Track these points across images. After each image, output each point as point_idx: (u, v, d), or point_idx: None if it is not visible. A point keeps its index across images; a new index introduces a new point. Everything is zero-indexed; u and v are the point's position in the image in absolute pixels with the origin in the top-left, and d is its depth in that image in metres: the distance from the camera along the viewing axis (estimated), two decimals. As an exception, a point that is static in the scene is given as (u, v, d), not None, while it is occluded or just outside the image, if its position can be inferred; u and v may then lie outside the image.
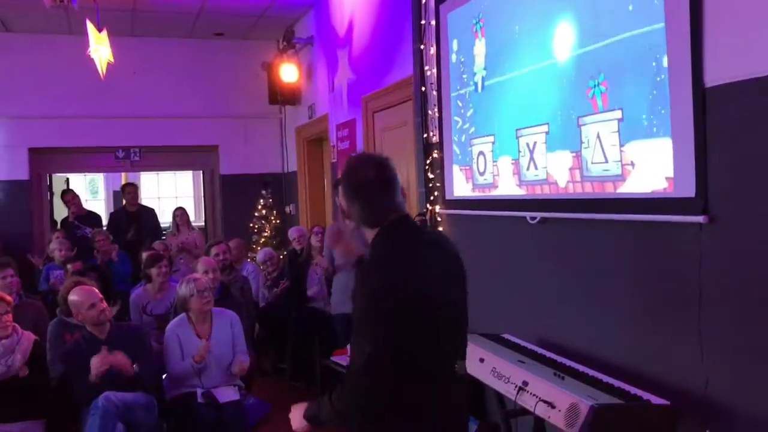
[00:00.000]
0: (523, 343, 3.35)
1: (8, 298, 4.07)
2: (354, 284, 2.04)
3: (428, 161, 4.75)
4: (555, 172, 3.35)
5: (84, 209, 8.13)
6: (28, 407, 3.79)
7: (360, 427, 2.01)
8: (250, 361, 4.63)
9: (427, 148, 4.78)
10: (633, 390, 2.57)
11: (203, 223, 9.41)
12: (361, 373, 1.91)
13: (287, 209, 8.64)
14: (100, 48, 5.89)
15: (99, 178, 14.03)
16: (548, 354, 3.13)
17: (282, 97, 8.07)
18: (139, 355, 4.02)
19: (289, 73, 7.86)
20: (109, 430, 3.61)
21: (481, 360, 3.04)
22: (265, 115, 8.65)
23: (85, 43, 5.87)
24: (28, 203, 8.00)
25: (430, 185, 4.74)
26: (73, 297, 4.15)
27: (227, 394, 4.22)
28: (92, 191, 14.69)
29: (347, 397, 1.96)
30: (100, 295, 4.15)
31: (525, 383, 2.67)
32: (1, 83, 7.70)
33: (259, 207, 8.30)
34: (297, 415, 2.17)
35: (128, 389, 3.86)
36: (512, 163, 3.73)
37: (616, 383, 2.65)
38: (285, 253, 7.22)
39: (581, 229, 3.25)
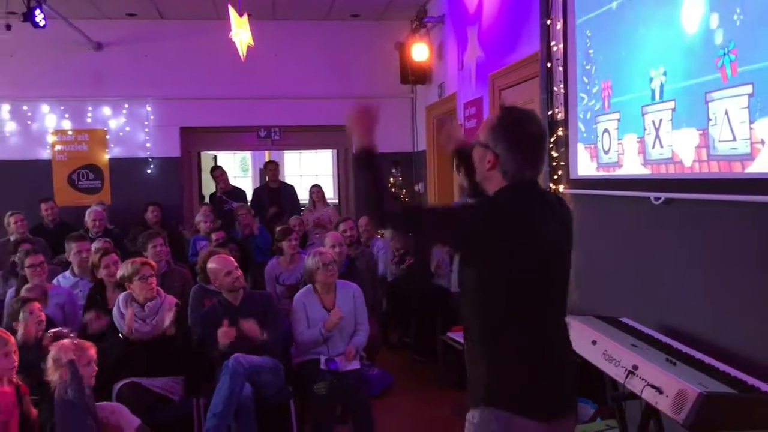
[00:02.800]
0: (640, 328, 3.24)
1: (152, 263, 4.45)
2: None
3: (553, 139, 4.66)
4: (681, 150, 3.19)
5: (230, 185, 8.70)
6: (170, 364, 4.16)
7: (477, 344, 2.15)
8: (372, 333, 4.80)
9: (551, 125, 4.68)
10: (751, 380, 2.43)
11: (338, 200, 9.75)
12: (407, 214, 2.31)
13: (416, 188, 8.75)
14: (240, 32, 6.23)
15: (248, 156, 14.84)
16: (665, 339, 3.01)
17: (413, 77, 8.16)
18: (268, 321, 4.29)
19: (420, 52, 7.92)
20: (238, 389, 3.87)
21: (594, 342, 2.98)
22: (396, 95, 8.78)
23: (229, 28, 6.24)
24: (179, 178, 8.66)
25: (554, 164, 4.64)
26: (210, 265, 4.48)
27: (348, 363, 4.40)
28: (243, 168, 15.59)
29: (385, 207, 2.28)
30: (236, 264, 4.45)
31: (635, 367, 2.59)
32: (157, 67, 8.34)
33: (390, 185, 8.47)
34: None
35: (257, 353, 4.14)
36: (638, 141, 3.58)
37: (733, 372, 2.51)
38: (413, 230, 7.33)
39: (707, 210, 3.08)
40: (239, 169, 15.42)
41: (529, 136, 2.09)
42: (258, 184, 12.57)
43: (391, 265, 6.79)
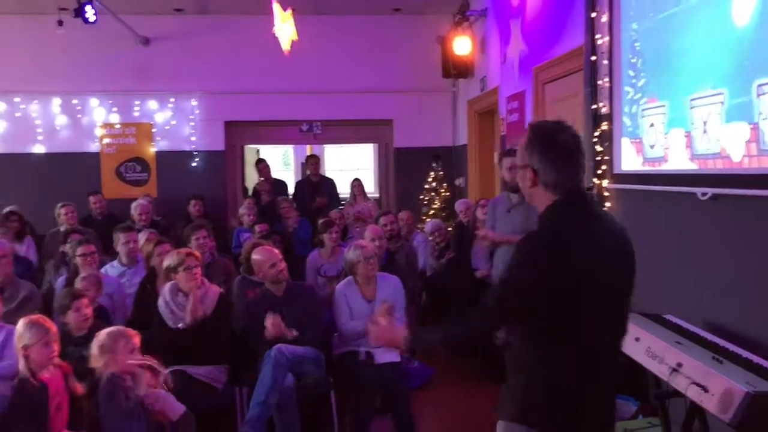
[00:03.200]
0: (685, 325, 3.19)
1: (197, 254, 4.53)
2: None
3: (597, 133, 4.60)
4: (729, 145, 3.13)
5: (272, 177, 8.82)
6: (214, 352, 4.25)
7: (517, 356, 2.15)
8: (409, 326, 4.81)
9: (596, 119, 4.63)
10: (801, 380, 2.38)
11: (378, 194, 9.79)
12: (479, 315, 2.14)
13: (457, 182, 8.74)
14: (284, 26, 6.29)
15: (290, 150, 14.97)
16: (710, 337, 2.96)
17: (455, 71, 8.14)
18: (309, 312, 4.34)
19: (462, 45, 7.89)
20: (280, 379, 3.93)
21: (637, 339, 2.95)
22: (438, 89, 8.77)
23: (273, 22, 6.30)
24: (224, 171, 8.79)
25: (598, 158, 4.59)
26: (255, 256, 4.55)
27: (387, 356, 4.41)
28: (285, 162, 15.76)
29: (460, 331, 2.20)
30: (280, 256, 4.51)
31: (679, 364, 2.56)
32: (202, 62, 8.48)
33: (430, 179, 8.47)
34: (396, 336, 2.28)
35: (299, 344, 4.19)
36: (685, 136, 3.52)
37: (782, 372, 2.46)
38: (453, 224, 7.34)
39: (755, 206, 3.01)
40: (281, 163, 15.58)
41: (561, 144, 2.08)
42: (299, 178, 12.68)
43: (430, 260, 6.80)
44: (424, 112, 8.85)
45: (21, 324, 3.41)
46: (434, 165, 8.50)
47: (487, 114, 7.86)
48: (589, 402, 2.07)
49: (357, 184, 8.18)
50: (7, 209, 7.18)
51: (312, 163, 8.87)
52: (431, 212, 8.29)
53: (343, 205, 8.53)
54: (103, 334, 3.47)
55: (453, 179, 8.73)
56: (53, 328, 3.48)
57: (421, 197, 8.46)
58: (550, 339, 2.03)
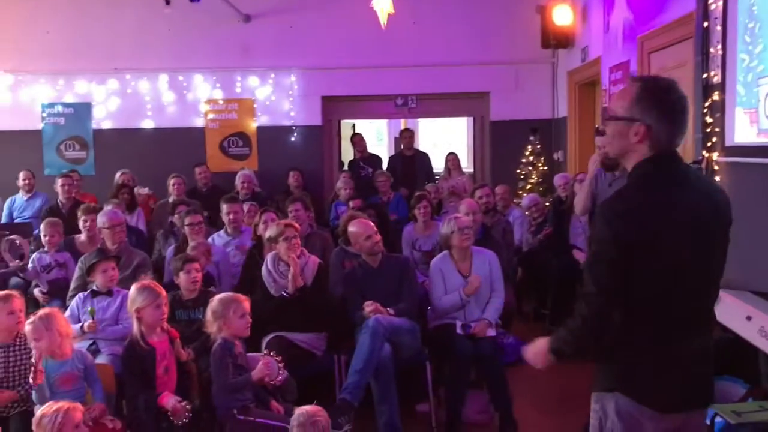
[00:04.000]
0: (802, 305, 3.03)
1: (296, 225, 4.64)
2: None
3: (707, 104, 4.38)
4: None
5: (368, 151, 8.92)
6: (314, 320, 4.38)
7: (597, 361, 2.11)
8: (507, 300, 4.79)
9: (706, 89, 4.40)
10: None
11: (473, 169, 9.71)
12: (583, 305, 2.05)
13: (555, 156, 8.54)
14: (381, 0, 6.30)
15: (383, 125, 15.04)
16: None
17: (555, 41, 7.92)
18: (405, 284, 4.39)
19: (563, 15, 7.67)
20: (377, 348, 4.01)
21: (749, 318, 2.83)
22: (536, 60, 8.57)
23: (371, -4, 6.32)
24: (321, 146, 8.96)
25: (708, 130, 4.37)
26: (351, 229, 4.64)
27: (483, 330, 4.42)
28: (378, 138, 15.87)
29: (576, 326, 2.08)
30: (375, 229, 4.58)
31: (796, 346, 2.43)
32: (301, 38, 8.63)
33: (527, 153, 8.32)
34: (538, 350, 2.25)
35: (396, 315, 4.26)
36: (806, 105, 3.30)
37: None
38: (551, 199, 7.20)
39: None
40: (375, 138, 15.68)
41: (676, 104, 2.03)
42: (392, 153, 12.75)
43: (527, 235, 6.71)
44: (522, 84, 8.67)
45: (134, 288, 3.63)
46: (531, 138, 8.34)
47: (588, 85, 7.62)
48: (675, 367, 2.05)
49: (452, 158, 8.15)
50: (120, 175, 7.61)
51: (406, 137, 8.90)
52: (528, 187, 8.16)
53: (437, 179, 8.53)
54: (215, 301, 3.63)
55: (551, 153, 8.54)
56: (163, 292, 3.68)
57: (518, 171, 8.33)
58: (630, 302, 2.01)
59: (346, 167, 9.04)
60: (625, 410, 2.05)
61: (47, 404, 2.88)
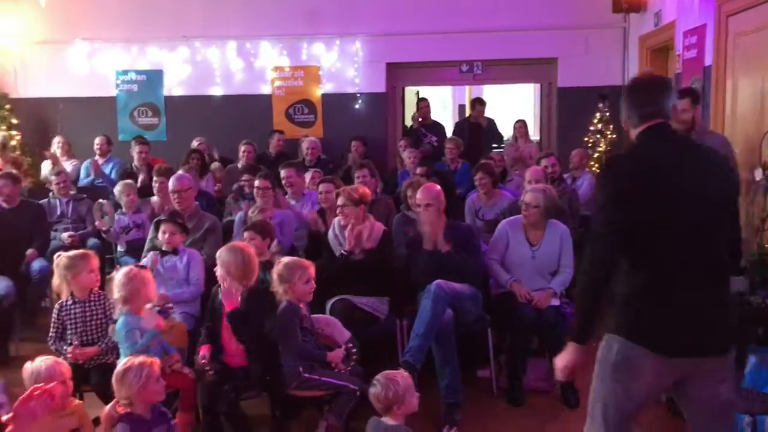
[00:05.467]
0: None
1: (363, 190, 4.69)
2: None
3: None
4: None
5: (431, 119, 8.89)
6: (377, 284, 4.45)
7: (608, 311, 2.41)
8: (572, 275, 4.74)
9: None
10: None
11: (539, 137, 9.56)
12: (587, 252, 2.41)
13: (623, 122, 8.29)
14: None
15: (446, 93, 14.90)
16: None
17: (627, 5, 7.66)
18: (468, 251, 4.41)
19: (636, -22, 7.39)
20: (439, 313, 4.05)
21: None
22: (607, 25, 8.30)
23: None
24: (385, 113, 8.95)
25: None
26: (416, 194, 4.66)
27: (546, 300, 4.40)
28: (442, 107, 15.75)
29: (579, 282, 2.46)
30: (435, 197, 4.58)
31: None
32: (366, 4, 8.60)
33: (595, 121, 8.13)
34: (563, 358, 2.50)
35: (459, 280, 4.28)
36: None
37: None
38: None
39: None
40: (439, 106, 15.55)
41: (631, 86, 2.61)
42: (456, 120, 12.65)
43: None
44: (592, 49, 8.43)
45: (284, 265, 3.77)
46: (600, 105, 8.12)
47: (661, 51, 7.36)
48: (673, 314, 2.31)
49: (520, 126, 8.05)
50: (194, 143, 7.84)
51: (478, 107, 8.83)
52: (596, 155, 7.98)
53: (503, 147, 8.45)
54: (281, 265, 3.74)
55: (620, 121, 8.28)
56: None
57: (585, 139, 8.15)
58: (626, 252, 2.34)
59: (407, 134, 9.02)
60: (625, 348, 2.36)
61: (129, 359, 3.03)
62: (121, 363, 3.02)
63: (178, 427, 3.33)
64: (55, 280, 3.87)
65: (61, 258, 3.85)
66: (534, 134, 10.08)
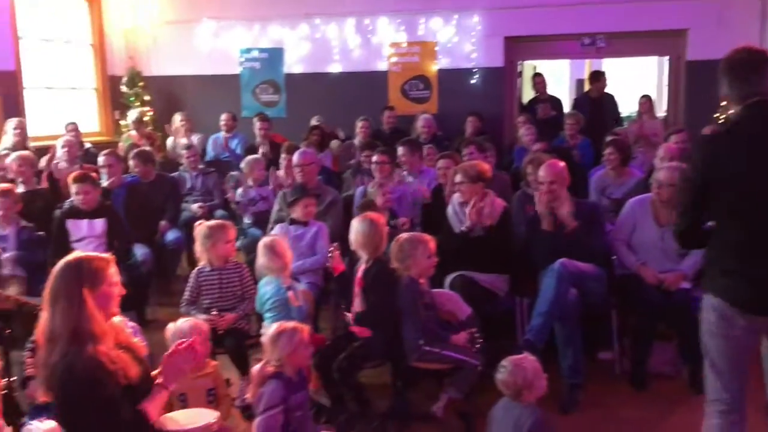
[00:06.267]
0: None
1: (482, 167, 4.64)
2: None
3: None
4: None
5: (547, 93, 8.67)
6: (497, 261, 4.42)
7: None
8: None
9: None
10: None
11: (665, 113, 9.12)
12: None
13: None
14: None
15: (562, 68, 14.47)
16: None
17: (767, -30, 7.14)
18: (593, 229, 4.29)
19: (780, -60, 6.85)
20: (562, 292, 3.98)
21: None
22: (742, -7, 7.78)
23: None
24: (501, 88, 8.81)
25: None
26: (539, 172, 4.58)
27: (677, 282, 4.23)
28: (557, 82, 15.34)
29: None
30: (560, 174, 4.48)
31: None
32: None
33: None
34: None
35: (583, 260, 4.18)
36: None
37: None
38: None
39: None
40: (554, 82, 15.15)
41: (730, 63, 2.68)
42: (572, 96, 12.30)
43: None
44: (726, 20, 7.89)
45: (355, 220, 3.95)
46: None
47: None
48: (749, 273, 2.56)
49: (645, 102, 7.71)
50: (313, 122, 8.04)
51: (599, 79, 8.53)
52: (727, 132, 7.53)
53: (625, 123, 8.14)
54: (402, 240, 3.79)
55: (720, 95, 7.76)
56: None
57: (716, 116, 7.69)
58: (714, 218, 2.65)
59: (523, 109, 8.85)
60: (718, 305, 2.63)
61: (282, 323, 3.16)
62: (273, 327, 3.15)
63: (312, 382, 3.52)
64: (197, 247, 4.12)
65: (201, 227, 4.09)
66: (659, 110, 9.63)
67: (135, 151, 6.41)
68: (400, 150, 5.88)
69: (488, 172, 4.71)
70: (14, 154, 5.78)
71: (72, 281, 2.40)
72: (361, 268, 3.88)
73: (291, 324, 3.13)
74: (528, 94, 9.53)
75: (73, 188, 5.08)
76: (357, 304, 3.86)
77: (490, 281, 4.40)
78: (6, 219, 4.87)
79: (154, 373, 2.59)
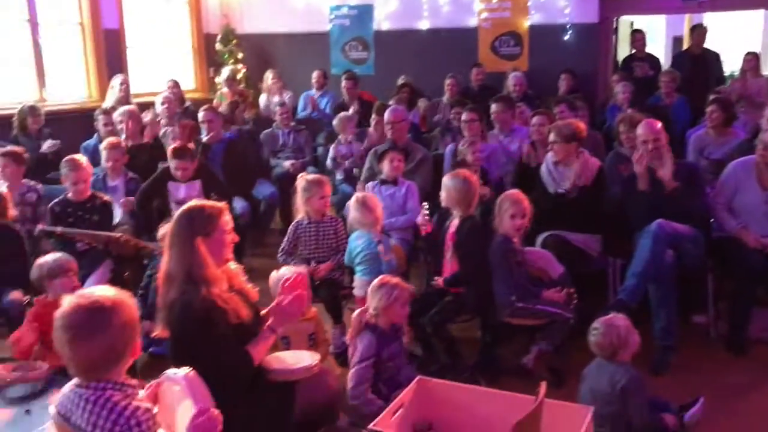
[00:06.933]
0: None
1: (576, 126, 4.56)
2: None
3: None
4: None
5: (644, 50, 8.35)
6: (590, 221, 4.38)
7: None
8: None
9: None
10: None
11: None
12: None
13: None
14: None
15: (657, 24, 13.82)
16: None
17: None
18: (692, 191, 4.18)
19: None
20: (658, 253, 3.91)
21: None
22: None
23: None
24: (595, 46, 8.51)
25: None
26: (638, 131, 4.48)
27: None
28: (651, 39, 14.68)
29: None
30: (660, 132, 4.36)
31: None
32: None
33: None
34: None
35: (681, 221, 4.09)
36: None
37: None
38: None
39: None
40: (648, 39, 14.51)
41: None
42: (669, 55, 11.78)
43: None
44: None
45: (447, 176, 4.00)
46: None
47: None
48: None
49: (750, 59, 7.29)
50: (401, 80, 8.06)
51: (699, 33, 8.14)
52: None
53: (728, 82, 7.75)
54: (503, 197, 3.84)
55: None
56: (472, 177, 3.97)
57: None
58: None
59: (620, 66, 8.54)
60: None
61: (386, 276, 3.28)
62: (378, 278, 3.27)
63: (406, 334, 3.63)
64: (297, 199, 4.29)
65: (300, 180, 4.23)
66: (764, 69, 9.11)
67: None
68: (494, 107, 5.83)
69: (583, 131, 4.63)
70: (121, 109, 6.09)
71: (185, 229, 2.57)
72: (453, 224, 3.93)
73: (395, 280, 3.23)
74: (623, 52, 9.18)
75: (172, 163, 5.02)
76: (448, 261, 3.92)
77: (583, 241, 4.37)
78: (115, 171, 5.16)
79: (263, 312, 2.75)
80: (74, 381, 1.84)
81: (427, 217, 4.03)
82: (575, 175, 4.41)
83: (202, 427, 1.84)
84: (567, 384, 3.51)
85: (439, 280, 3.92)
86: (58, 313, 1.77)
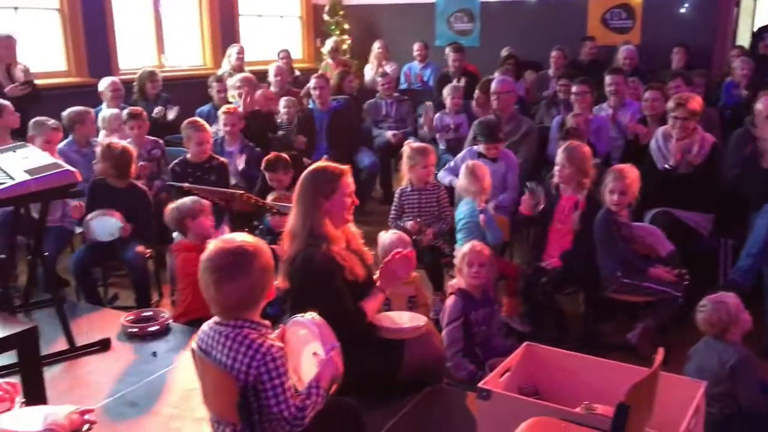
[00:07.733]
0: None
1: (693, 102, 4.39)
2: None
3: None
4: None
5: (768, 26, 7.88)
6: (702, 200, 4.26)
7: None
8: None
9: None
10: None
11: None
12: None
13: None
14: None
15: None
16: None
17: None
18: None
19: None
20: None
21: None
22: None
23: None
24: (713, 18, 8.09)
25: None
26: (759, 106, 4.30)
27: None
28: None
29: None
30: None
31: None
32: None
33: None
34: None
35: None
36: None
37: None
38: None
39: None
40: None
41: None
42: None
43: None
44: None
45: (562, 149, 4.02)
46: None
47: None
48: None
49: None
50: (505, 52, 7.97)
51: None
52: None
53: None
54: (610, 170, 3.80)
55: None
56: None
57: None
58: None
59: (744, 44, 8.08)
60: None
61: (478, 244, 3.40)
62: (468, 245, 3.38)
63: (505, 307, 3.69)
64: (402, 167, 4.39)
65: (406, 147, 4.33)
66: None
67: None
68: (610, 78, 5.70)
69: (700, 107, 4.48)
70: (238, 75, 6.34)
71: (308, 189, 2.71)
72: (565, 201, 3.92)
73: (480, 245, 3.32)
74: (744, 25, 8.68)
75: (267, 175, 4.61)
76: (555, 239, 3.93)
77: (694, 219, 4.26)
78: (232, 135, 5.40)
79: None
80: (214, 319, 2.01)
81: (531, 202, 4.03)
82: (684, 150, 4.28)
83: (335, 360, 1.99)
84: (671, 364, 3.45)
85: (553, 260, 3.91)
86: (204, 256, 1.93)
